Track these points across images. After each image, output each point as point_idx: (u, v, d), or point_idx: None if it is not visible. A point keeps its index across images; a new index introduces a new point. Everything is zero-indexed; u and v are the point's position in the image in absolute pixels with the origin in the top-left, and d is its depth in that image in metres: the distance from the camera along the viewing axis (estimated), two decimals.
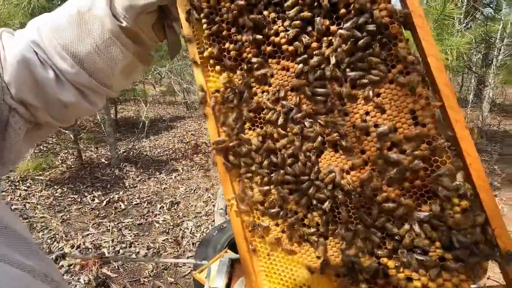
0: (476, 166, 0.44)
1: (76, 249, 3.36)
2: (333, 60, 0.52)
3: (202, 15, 0.58)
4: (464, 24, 8.93)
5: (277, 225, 0.57)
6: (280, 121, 0.55)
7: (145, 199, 4.50)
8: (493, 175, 5.40)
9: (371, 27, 0.49)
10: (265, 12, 0.56)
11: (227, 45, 0.58)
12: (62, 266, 3.07)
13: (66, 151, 5.65)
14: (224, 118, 0.59)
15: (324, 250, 0.53)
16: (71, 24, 0.58)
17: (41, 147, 5.71)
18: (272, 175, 0.56)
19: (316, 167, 0.53)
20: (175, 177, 5.17)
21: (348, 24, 0.50)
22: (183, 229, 3.90)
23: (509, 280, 0.45)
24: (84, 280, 2.90)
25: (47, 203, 4.22)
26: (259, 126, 0.58)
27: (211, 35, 0.59)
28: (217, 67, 0.59)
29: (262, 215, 0.58)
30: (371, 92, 0.49)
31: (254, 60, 0.57)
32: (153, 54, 0.82)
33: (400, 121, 0.49)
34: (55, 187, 4.60)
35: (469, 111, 8.95)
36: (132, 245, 3.56)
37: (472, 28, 9.85)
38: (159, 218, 4.11)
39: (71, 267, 3.07)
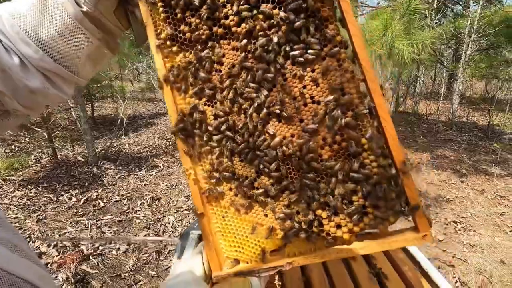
0: (389, 129, 0.53)
1: (53, 247, 3.29)
2: (275, 39, 0.58)
3: None
4: (435, 21, 9.33)
5: (230, 189, 0.64)
6: (231, 96, 0.61)
7: (125, 196, 4.45)
8: (461, 162, 5.75)
9: (304, 11, 0.56)
10: None
11: (182, 27, 0.63)
12: None
13: (40, 150, 5.46)
14: (181, 95, 0.65)
15: (271, 209, 0.60)
16: (34, 10, 0.60)
17: (13, 147, 5.49)
18: (224, 144, 0.63)
19: (263, 135, 0.60)
20: (155, 173, 5.14)
21: (286, 8, 0.57)
22: (164, 224, 3.90)
23: (416, 224, 0.54)
24: (63, 278, 2.86)
25: (21, 203, 4.09)
26: (213, 102, 0.64)
27: (167, 18, 0.64)
28: (174, 48, 0.64)
29: (217, 181, 0.64)
30: (307, 70, 0.56)
31: (209, 43, 0.62)
32: (121, 43, 0.85)
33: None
34: (29, 187, 4.46)
35: (441, 104, 9.40)
36: (112, 241, 3.53)
37: (443, 25, 10.31)
38: (139, 214, 4.09)
39: (48, 265, 3.01)
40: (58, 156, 5.23)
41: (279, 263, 0.58)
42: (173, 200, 4.46)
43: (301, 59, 0.57)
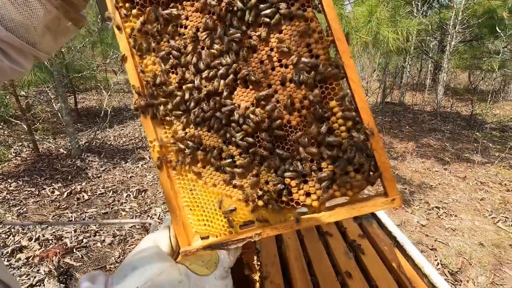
0: (358, 90, 0.51)
1: (35, 241, 3.20)
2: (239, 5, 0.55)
3: None
4: (421, 11, 9.40)
5: (197, 161, 0.61)
6: (194, 61, 0.58)
7: (110, 189, 4.36)
8: (445, 151, 5.89)
9: None
10: None
11: None
12: (20, 259, 2.92)
13: (20, 143, 5.27)
14: (142, 60, 0.61)
15: (239, 179, 0.58)
16: None
17: None
18: (189, 113, 0.59)
19: (229, 102, 0.57)
20: (142, 165, 5.05)
21: None
22: (151, 215, 3.85)
23: (385, 189, 0.53)
24: (45, 271, 2.79)
25: (0, 197, 3.95)
26: (177, 68, 0.60)
27: None
28: (134, 11, 0.60)
29: (183, 152, 0.61)
30: (274, 32, 0.53)
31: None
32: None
33: (299, 54, 0.54)
34: (9, 180, 4.31)
35: (426, 94, 9.56)
36: (97, 234, 3.46)
37: (429, 16, 10.42)
38: (125, 206, 4.02)
39: (30, 259, 2.93)
40: (40, 149, 5.07)
41: (248, 234, 0.56)
42: (160, 192, 4.40)
43: (267, 19, 0.54)
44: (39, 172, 4.59)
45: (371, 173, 0.51)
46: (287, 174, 0.54)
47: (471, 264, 3.14)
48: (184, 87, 0.59)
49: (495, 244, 3.43)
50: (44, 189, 4.24)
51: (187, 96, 0.58)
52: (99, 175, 4.70)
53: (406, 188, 4.52)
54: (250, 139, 0.55)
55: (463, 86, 11.03)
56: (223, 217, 0.59)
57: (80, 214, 3.79)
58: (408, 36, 3.17)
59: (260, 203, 0.56)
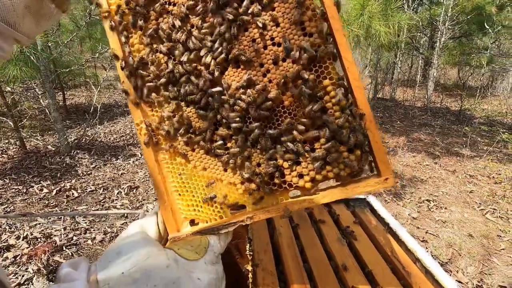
0: (352, 69, 0.49)
1: (23, 239, 3.12)
2: None
3: None
4: (412, 7, 9.49)
5: (186, 144, 0.59)
6: (183, 39, 0.55)
7: (100, 186, 4.28)
8: (435, 145, 5.98)
9: None
10: None
11: None
12: (7, 257, 2.85)
13: (6, 140, 5.12)
14: (129, 39, 0.58)
15: (230, 162, 0.56)
16: None
17: None
18: (179, 94, 0.57)
19: (220, 82, 0.55)
20: (133, 162, 4.97)
21: None
22: (143, 212, 3.80)
23: (378, 168, 0.52)
24: (33, 270, 2.73)
25: None
26: (166, 47, 0.58)
27: None
28: None
29: (172, 135, 0.59)
30: (266, 8, 0.52)
31: None
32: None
33: (292, 32, 0.52)
34: None
35: (417, 90, 9.69)
36: (87, 231, 3.40)
37: (420, 12, 10.52)
38: (116, 203, 3.95)
39: (17, 258, 2.86)
40: (27, 147, 4.94)
41: (239, 218, 0.54)
42: (152, 188, 4.35)
43: None
44: (26, 170, 4.47)
45: (365, 150, 0.50)
46: (279, 155, 0.53)
47: (460, 255, 3.20)
48: (174, 65, 0.56)
49: (483, 235, 3.51)
50: (32, 187, 4.14)
51: (177, 75, 0.56)
52: (89, 172, 4.61)
53: (397, 182, 4.57)
54: (241, 121, 0.53)
55: (453, 82, 11.21)
56: (211, 203, 0.57)
57: (70, 211, 3.71)
58: (400, 31, 3.18)
59: (252, 185, 0.54)
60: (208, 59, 0.54)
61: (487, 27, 7.67)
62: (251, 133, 0.54)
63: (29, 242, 3.09)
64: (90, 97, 7.64)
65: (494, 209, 4.02)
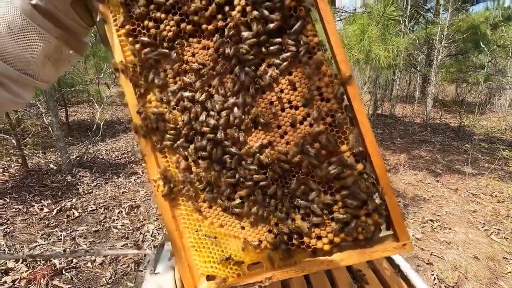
0: (368, 134, 0.51)
1: (22, 262, 3.07)
2: (249, 42, 0.55)
3: None
4: (409, 27, 9.73)
5: (203, 201, 0.60)
6: (203, 99, 0.57)
7: (101, 205, 4.25)
8: (436, 163, 5.98)
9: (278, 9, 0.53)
10: None
11: (145, 22, 0.58)
12: (6, 282, 2.79)
13: (8, 158, 5.13)
14: (145, 93, 0.60)
15: (248, 221, 0.57)
16: None
17: None
18: (199, 153, 0.58)
19: (239, 144, 0.56)
20: (134, 180, 4.96)
21: (261, 6, 0.54)
22: (143, 232, 3.75)
23: (396, 233, 0.53)
24: None
25: None
26: (183, 105, 0.60)
27: (128, 11, 0.58)
28: (137, 45, 0.60)
29: (190, 193, 0.60)
30: (284, 73, 0.54)
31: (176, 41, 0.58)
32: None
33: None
34: None
35: (415, 106, 9.79)
36: (88, 253, 3.35)
37: (416, 31, 10.79)
38: (117, 223, 3.91)
39: (16, 282, 2.80)
40: (29, 165, 4.94)
41: (257, 278, 0.54)
42: (153, 208, 4.32)
43: (278, 61, 0.54)
44: (27, 189, 4.45)
45: (383, 215, 0.51)
46: (297, 216, 0.54)
47: (467, 278, 3.14)
48: (197, 126, 0.58)
49: (489, 257, 3.46)
50: (33, 206, 4.11)
51: (190, 133, 0.57)
52: (90, 190, 4.59)
53: (400, 201, 4.55)
54: (262, 181, 0.54)
55: (451, 98, 11.34)
56: (229, 262, 0.57)
57: (70, 232, 3.67)
58: (398, 53, 3.26)
59: (270, 245, 0.55)
60: (225, 120, 0.56)
61: (483, 46, 7.85)
62: (269, 193, 0.55)
63: (28, 265, 3.04)
64: (92, 114, 7.70)
65: (499, 229, 3.98)
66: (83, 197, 4.39)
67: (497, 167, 5.69)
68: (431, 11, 10.59)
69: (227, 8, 0.55)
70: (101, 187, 4.68)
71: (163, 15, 0.58)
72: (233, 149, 0.56)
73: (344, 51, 0.53)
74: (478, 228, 4.01)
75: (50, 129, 4.89)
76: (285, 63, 0.54)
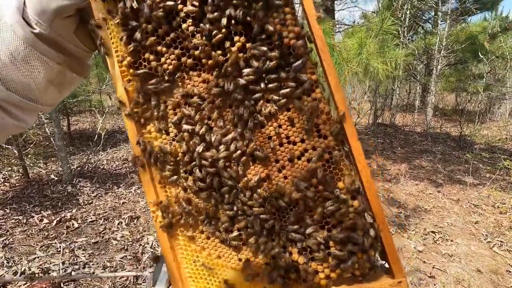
0: (365, 172, 0.52)
1: (20, 275, 3.05)
2: (246, 79, 0.57)
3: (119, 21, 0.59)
4: (408, 38, 9.84)
5: (201, 232, 0.60)
6: (203, 131, 0.59)
7: (101, 216, 4.24)
8: (437, 173, 5.97)
9: (276, 51, 0.55)
10: (184, 25, 0.58)
11: (146, 55, 0.60)
12: None
13: (9, 168, 5.14)
14: (145, 123, 0.62)
15: (245, 253, 0.57)
16: None
17: None
18: (198, 184, 0.60)
19: (236, 176, 0.58)
20: (134, 190, 4.95)
21: (261, 44, 0.56)
22: (143, 244, 3.74)
23: (391, 270, 0.53)
24: None
25: None
26: (182, 137, 0.61)
27: (129, 43, 0.60)
28: (138, 77, 0.61)
29: (189, 225, 0.61)
30: (274, 107, 0.55)
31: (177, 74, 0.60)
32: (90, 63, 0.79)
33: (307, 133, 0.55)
34: None
35: (416, 115, 9.82)
36: (86, 265, 3.33)
37: (415, 41, 10.89)
38: (117, 234, 3.90)
39: None
40: (30, 175, 4.95)
41: None
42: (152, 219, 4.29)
43: (277, 97, 0.56)
44: (28, 199, 4.45)
45: (377, 256, 0.52)
46: (295, 251, 0.54)
47: None
48: (197, 158, 0.59)
49: (492, 270, 3.42)
50: (33, 217, 4.11)
51: (191, 166, 0.58)
52: (90, 201, 4.58)
53: (401, 212, 4.53)
54: (260, 214, 0.55)
55: (451, 107, 11.38)
56: None
57: (69, 243, 3.65)
58: (397, 66, 3.30)
59: (267, 279, 0.55)
60: (224, 154, 0.57)
61: (481, 56, 7.91)
62: (266, 227, 0.56)
63: (26, 277, 3.02)
64: (94, 123, 7.75)
65: (501, 241, 3.94)
66: (83, 208, 4.38)
67: (498, 177, 5.67)
68: (430, 21, 10.72)
69: (227, 44, 0.57)
70: (101, 198, 4.68)
71: (164, 49, 0.60)
72: (231, 182, 0.57)
73: (341, 90, 0.54)
74: (480, 240, 3.98)
75: (51, 139, 4.92)
76: (283, 100, 0.56)
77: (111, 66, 0.63)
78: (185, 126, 0.60)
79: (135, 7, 0.56)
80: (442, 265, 3.50)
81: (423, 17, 10.56)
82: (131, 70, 0.61)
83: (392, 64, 3.22)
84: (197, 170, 0.59)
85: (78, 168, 5.29)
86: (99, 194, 4.76)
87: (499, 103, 10.13)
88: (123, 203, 4.61)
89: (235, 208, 0.58)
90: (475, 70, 10.28)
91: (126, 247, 3.66)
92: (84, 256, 3.49)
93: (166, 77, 0.60)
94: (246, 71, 0.56)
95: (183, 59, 0.59)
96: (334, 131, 0.54)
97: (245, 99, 0.57)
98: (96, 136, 5.57)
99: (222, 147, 0.58)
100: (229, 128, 0.58)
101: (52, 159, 5.63)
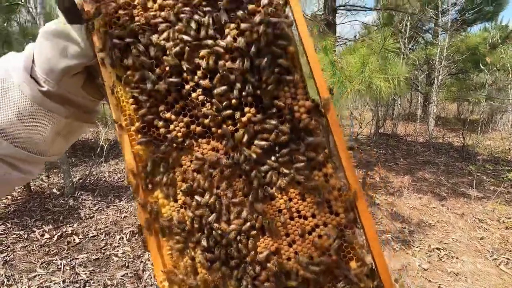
0: (375, 245, 0.51)
1: None
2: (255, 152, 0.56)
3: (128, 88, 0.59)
4: (409, 48, 9.89)
5: None
6: (212, 201, 0.58)
7: (102, 231, 4.22)
8: (440, 185, 5.92)
9: (287, 124, 0.55)
10: (194, 94, 0.58)
11: (155, 122, 0.59)
12: None
13: None
14: (152, 190, 0.61)
15: None
16: None
17: None
18: (205, 254, 0.58)
19: (245, 249, 0.56)
20: (136, 204, 4.92)
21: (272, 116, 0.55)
22: (144, 261, 3.70)
23: None
24: None
25: None
26: (190, 207, 0.60)
27: (138, 109, 0.59)
28: (146, 144, 0.60)
29: None
30: (285, 181, 0.55)
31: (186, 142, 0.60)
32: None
33: (318, 209, 0.54)
34: None
35: (418, 125, 9.79)
36: (87, 284, 3.30)
37: (416, 51, 10.94)
38: (118, 250, 3.87)
39: None
40: (32, 188, 4.94)
41: None
42: None
43: (287, 171, 0.55)
44: (29, 213, 4.43)
45: None
46: None
47: None
48: (205, 228, 0.58)
49: None
50: (34, 232, 4.08)
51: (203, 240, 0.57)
52: (91, 215, 4.56)
53: (405, 227, 4.48)
54: None
55: (453, 116, 11.36)
56: None
57: (70, 260, 3.62)
58: (400, 83, 3.30)
59: None
60: (234, 226, 0.56)
61: (483, 67, 7.92)
62: None
63: None
64: (97, 134, 7.77)
65: (508, 258, 3.88)
66: (85, 222, 4.36)
67: (503, 190, 5.62)
68: (430, 32, 10.78)
69: (237, 115, 0.57)
70: (102, 211, 4.66)
71: (173, 116, 0.59)
72: (240, 254, 0.56)
73: (353, 169, 0.53)
74: (486, 257, 3.92)
75: None
76: (294, 174, 0.55)
77: (119, 133, 0.62)
78: (196, 197, 0.59)
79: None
80: (448, 284, 3.44)
81: (423, 28, 10.61)
82: (139, 136, 0.61)
83: (395, 82, 3.22)
84: (205, 239, 0.58)
85: (80, 181, 5.28)
86: (101, 208, 4.74)
87: (502, 113, 10.10)
88: (124, 217, 4.59)
89: (243, 283, 0.56)
90: (476, 79, 10.28)
91: (127, 264, 3.63)
92: (85, 273, 3.45)
93: (175, 145, 0.59)
94: (257, 143, 0.55)
95: (192, 126, 0.59)
96: (347, 207, 0.52)
97: (255, 170, 0.57)
98: (99, 148, 5.57)
99: (232, 217, 0.57)
100: (239, 199, 0.57)
101: (55, 170, 5.63)
